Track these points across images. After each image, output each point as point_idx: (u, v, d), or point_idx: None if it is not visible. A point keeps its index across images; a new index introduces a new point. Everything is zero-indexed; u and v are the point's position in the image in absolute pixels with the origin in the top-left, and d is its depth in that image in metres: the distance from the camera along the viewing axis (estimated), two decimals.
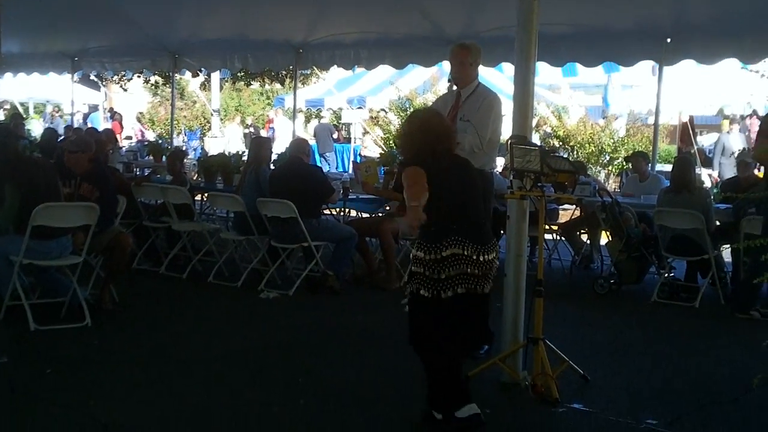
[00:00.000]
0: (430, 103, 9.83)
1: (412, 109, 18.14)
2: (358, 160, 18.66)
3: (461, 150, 6.62)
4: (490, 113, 6.73)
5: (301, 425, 5.28)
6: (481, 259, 4.98)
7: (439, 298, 4.95)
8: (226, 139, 23.21)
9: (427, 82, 20.19)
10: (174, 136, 19.15)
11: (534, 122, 18.95)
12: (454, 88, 7.08)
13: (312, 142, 24.59)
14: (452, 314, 5.05)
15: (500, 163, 12.31)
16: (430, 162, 5.02)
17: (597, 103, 19.25)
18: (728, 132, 17.41)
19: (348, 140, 24.51)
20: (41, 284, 7.72)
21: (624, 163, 14.37)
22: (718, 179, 15.51)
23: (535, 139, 17.53)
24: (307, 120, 29.03)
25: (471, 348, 5.39)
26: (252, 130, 25.99)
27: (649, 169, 11.25)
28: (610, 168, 18.11)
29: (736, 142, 16.68)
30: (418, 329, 5.11)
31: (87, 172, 8.13)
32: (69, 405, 5.44)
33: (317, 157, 22.02)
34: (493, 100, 6.82)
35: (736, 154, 13.42)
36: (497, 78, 16.85)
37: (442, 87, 16.94)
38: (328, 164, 22.78)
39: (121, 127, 25.00)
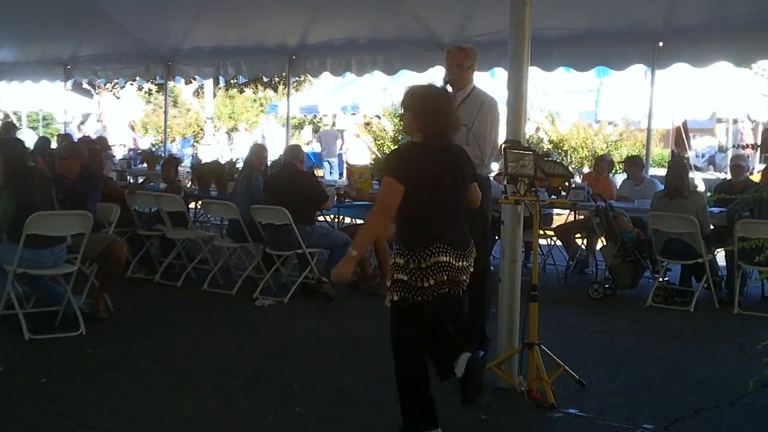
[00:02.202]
0: None
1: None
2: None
3: None
4: (487, 120, 6.66)
5: (296, 430, 5.27)
6: (459, 264, 4.83)
7: (421, 306, 4.81)
8: (234, 148, 23.29)
9: None
10: (167, 143, 19.13)
11: (534, 128, 19.08)
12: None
13: (308, 148, 24.70)
14: (428, 321, 4.96)
15: (494, 168, 12.31)
16: (425, 153, 4.81)
17: (590, 108, 19.27)
18: None
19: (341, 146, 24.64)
20: (35, 293, 7.69)
21: (618, 168, 14.42)
22: None
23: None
24: (300, 127, 29.03)
25: (444, 362, 5.14)
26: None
27: (644, 173, 11.30)
28: None
29: None
30: (399, 337, 4.94)
31: (77, 176, 8.31)
32: (64, 414, 5.44)
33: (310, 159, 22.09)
34: (490, 106, 6.72)
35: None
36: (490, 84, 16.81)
37: None
38: (331, 169, 22.99)
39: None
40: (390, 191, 4.77)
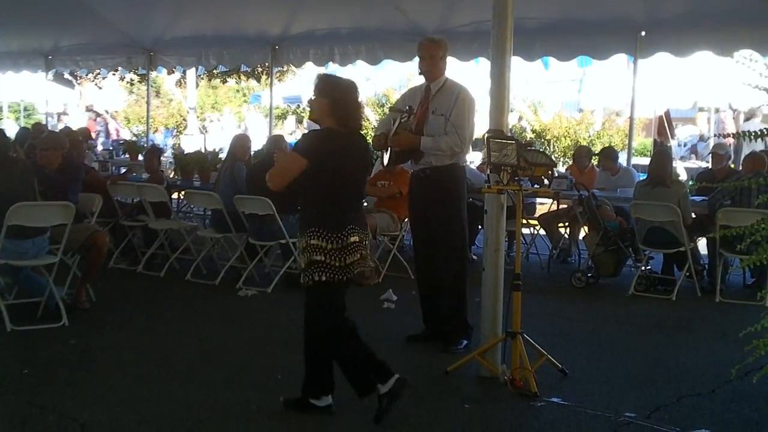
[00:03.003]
0: None
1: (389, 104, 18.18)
2: None
3: (439, 152, 6.66)
4: (465, 110, 6.73)
5: (280, 422, 5.27)
6: (366, 243, 5.20)
7: (344, 283, 5.16)
8: (208, 138, 23.15)
9: (403, 78, 20.19)
10: (150, 133, 19.01)
11: (516, 117, 19.10)
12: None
13: (292, 138, 24.62)
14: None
15: (477, 157, 12.34)
16: (343, 140, 5.12)
17: (573, 98, 19.31)
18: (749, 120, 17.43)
19: None
20: (17, 284, 7.66)
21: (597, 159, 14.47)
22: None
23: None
24: (283, 117, 28.93)
25: None
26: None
27: (620, 162, 11.35)
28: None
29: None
30: (329, 315, 5.23)
31: (58, 167, 8.32)
32: (46, 405, 5.42)
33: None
34: (466, 95, 6.80)
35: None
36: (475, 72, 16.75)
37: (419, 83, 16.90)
38: None
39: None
40: (294, 165, 5.11)
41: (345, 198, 5.15)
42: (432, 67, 6.89)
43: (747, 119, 18.18)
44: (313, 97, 5.24)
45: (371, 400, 5.23)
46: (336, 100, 5.12)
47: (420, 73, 7.02)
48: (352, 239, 5.06)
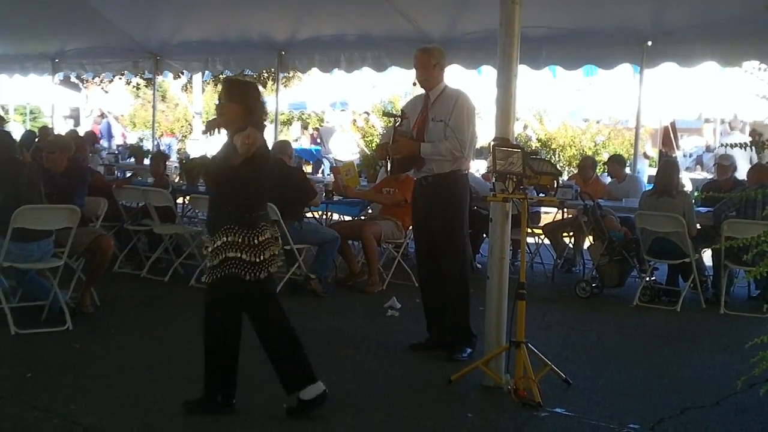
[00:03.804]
0: None
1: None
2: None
3: (440, 158, 6.67)
4: (464, 114, 6.73)
5: (282, 429, 5.26)
6: (278, 239, 5.40)
7: (259, 280, 5.23)
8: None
9: (409, 85, 20.19)
10: (160, 138, 19.03)
11: (522, 126, 19.08)
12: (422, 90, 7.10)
13: (297, 144, 24.66)
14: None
15: (482, 165, 12.35)
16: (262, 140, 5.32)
17: (578, 107, 19.28)
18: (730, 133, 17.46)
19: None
20: (22, 287, 7.66)
21: (603, 167, 14.48)
22: None
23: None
24: (288, 123, 28.94)
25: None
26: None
27: (626, 170, 11.36)
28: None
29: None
30: (224, 314, 5.42)
31: (64, 170, 8.35)
32: (49, 409, 5.41)
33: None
34: (465, 100, 6.81)
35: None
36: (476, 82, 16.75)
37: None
38: (324, 165, 23.07)
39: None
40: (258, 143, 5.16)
41: (260, 196, 5.34)
42: (426, 77, 6.90)
43: (730, 130, 18.23)
44: (222, 102, 5.36)
45: (375, 405, 5.22)
46: (249, 106, 5.28)
47: (414, 84, 7.04)
48: (266, 235, 5.22)
